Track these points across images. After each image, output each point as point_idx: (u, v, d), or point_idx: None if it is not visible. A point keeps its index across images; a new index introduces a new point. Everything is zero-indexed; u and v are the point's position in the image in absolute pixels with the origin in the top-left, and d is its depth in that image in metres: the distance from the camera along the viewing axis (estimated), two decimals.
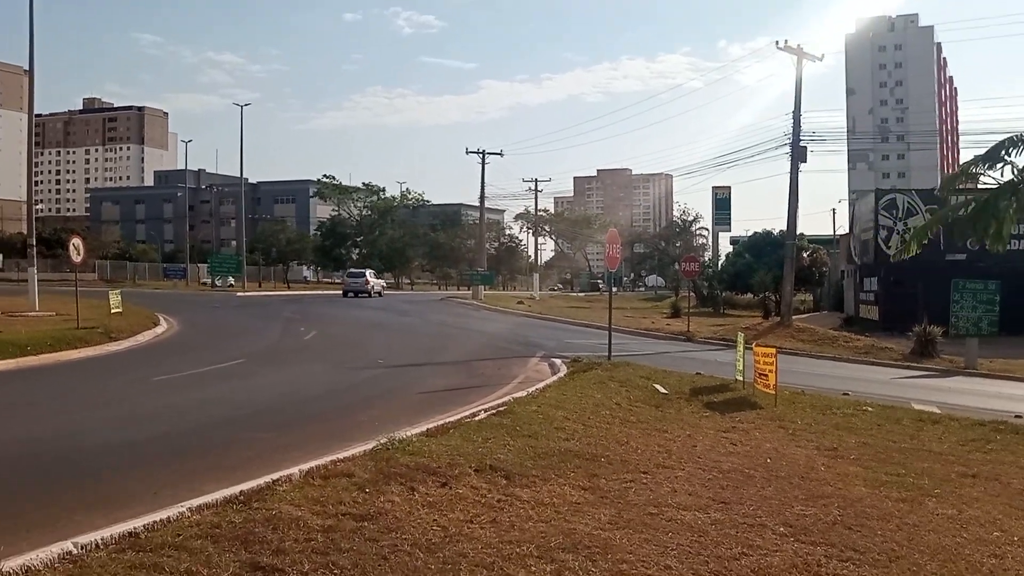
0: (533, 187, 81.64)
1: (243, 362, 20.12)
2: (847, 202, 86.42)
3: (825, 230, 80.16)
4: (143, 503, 7.31)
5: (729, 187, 67.16)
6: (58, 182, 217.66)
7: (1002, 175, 17.69)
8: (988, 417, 14.30)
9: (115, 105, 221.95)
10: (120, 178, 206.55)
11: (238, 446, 10.42)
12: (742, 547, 6.68)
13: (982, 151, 18.06)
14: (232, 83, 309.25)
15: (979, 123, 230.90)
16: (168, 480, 8.43)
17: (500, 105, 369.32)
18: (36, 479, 8.68)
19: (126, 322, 25.91)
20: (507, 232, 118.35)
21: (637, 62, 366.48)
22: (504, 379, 18.18)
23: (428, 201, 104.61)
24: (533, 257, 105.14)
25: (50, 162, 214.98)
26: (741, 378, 16.82)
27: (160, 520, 6.51)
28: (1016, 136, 17.28)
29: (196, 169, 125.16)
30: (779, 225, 50.54)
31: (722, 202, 66.82)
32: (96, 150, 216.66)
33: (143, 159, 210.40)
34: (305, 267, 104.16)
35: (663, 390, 16.03)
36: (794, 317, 35.96)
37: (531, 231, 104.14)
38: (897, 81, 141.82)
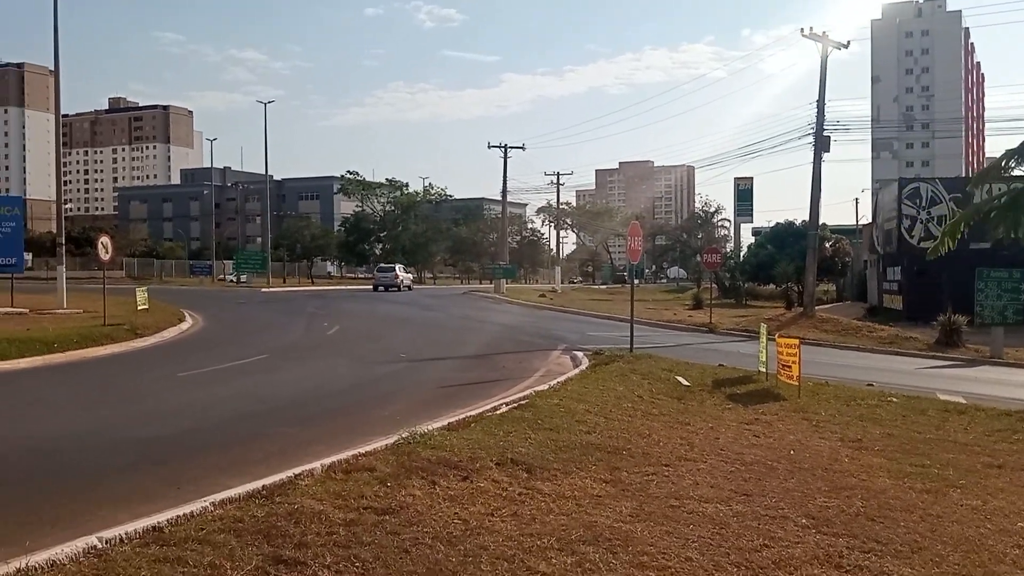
0: (555, 180, 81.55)
1: (266, 357, 20.26)
2: (870, 191, 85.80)
3: (848, 220, 79.77)
4: (167, 498, 7.39)
5: (751, 178, 66.46)
6: (87, 181, 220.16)
7: None
8: (1015, 407, 14.16)
9: (140, 104, 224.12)
10: (147, 177, 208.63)
11: (261, 441, 10.50)
12: (764, 539, 6.66)
13: (1008, 139, 17.86)
14: (255, 80, 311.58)
15: (1006, 110, 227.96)
16: (192, 475, 8.51)
17: (522, 98, 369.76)
18: (61, 474, 8.79)
19: (152, 319, 26.15)
20: (529, 226, 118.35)
21: (660, 52, 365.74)
22: (526, 372, 18.18)
23: (450, 196, 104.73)
24: (555, 250, 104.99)
25: (78, 162, 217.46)
26: (764, 369, 16.74)
27: (184, 514, 6.58)
28: None
29: (222, 167, 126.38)
30: (801, 215, 50.16)
31: (744, 193, 66.25)
32: (123, 149, 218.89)
33: (169, 158, 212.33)
34: (329, 263, 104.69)
35: (685, 382, 15.98)
36: (817, 307, 35.75)
37: (553, 224, 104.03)
38: (923, 68, 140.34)
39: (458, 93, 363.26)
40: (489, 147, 67.65)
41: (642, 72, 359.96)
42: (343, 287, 71.44)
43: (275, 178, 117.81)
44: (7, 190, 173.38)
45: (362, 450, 9.00)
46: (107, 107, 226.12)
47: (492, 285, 65.65)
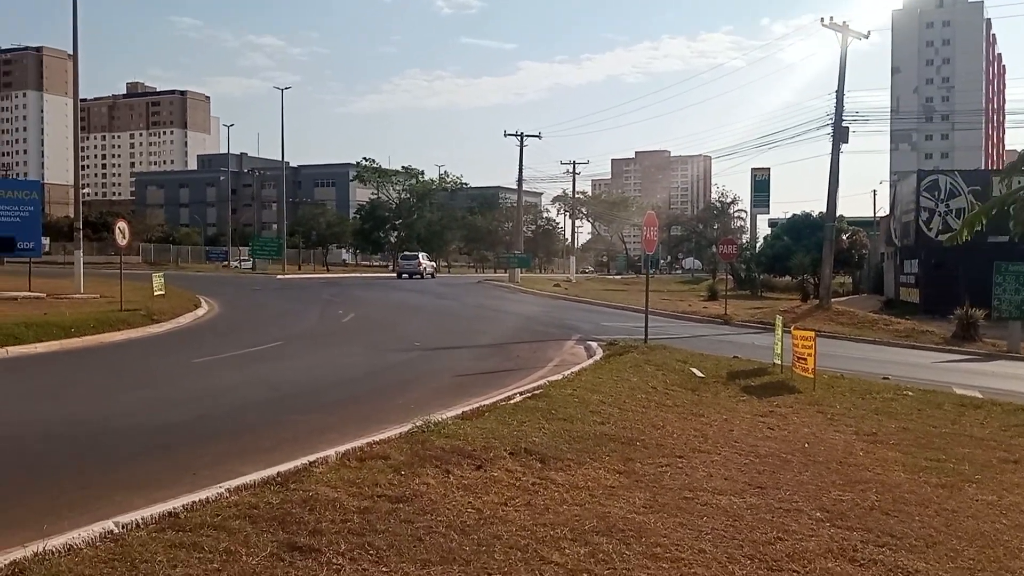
0: (571, 170, 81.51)
1: (281, 344, 20.34)
2: (888, 183, 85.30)
3: (865, 212, 79.25)
4: (182, 484, 7.44)
5: (768, 168, 66.09)
6: (104, 166, 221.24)
7: None
8: None
9: (157, 89, 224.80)
10: (164, 162, 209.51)
11: (276, 428, 10.54)
12: (777, 532, 6.64)
13: None
14: (273, 66, 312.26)
15: None
16: (207, 461, 8.56)
17: (539, 86, 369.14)
18: (78, 459, 8.86)
19: (168, 304, 26.29)
20: (544, 215, 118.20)
21: (678, 41, 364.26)
22: (540, 362, 18.19)
23: (466, 184, 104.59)
24: (570, 240, 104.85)
25: (96, 147, 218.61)
26: (779, 362, 16.67)
27: (199, 500, 6.62)
28: None
29: (238, 153, 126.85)
30: (818, 207, 50.00)
31: (761, 184, 65.91)
32: (140, 134, 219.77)
33: (186, 143, 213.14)
34: (344, 250, 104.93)
35: (700, 374, 15.94)
36: (833, 300, 35.58)
37: (568, 214, 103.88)
38: (944, 59, 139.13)
39: (475, 80, 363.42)
40: (505, 135, 67.86)
41: (660, 61, 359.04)
42: (358, 275, 71.68)
43: (291, 165, 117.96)
44: (25, 174, 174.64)
45: (376, 438, 9.03)
46: (125, 92, 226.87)
47: (506, 274, 65.72)
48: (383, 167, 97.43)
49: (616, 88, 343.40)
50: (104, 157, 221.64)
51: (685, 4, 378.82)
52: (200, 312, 27.55)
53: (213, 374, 15.68)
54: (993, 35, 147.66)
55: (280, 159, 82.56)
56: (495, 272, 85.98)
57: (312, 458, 8.04)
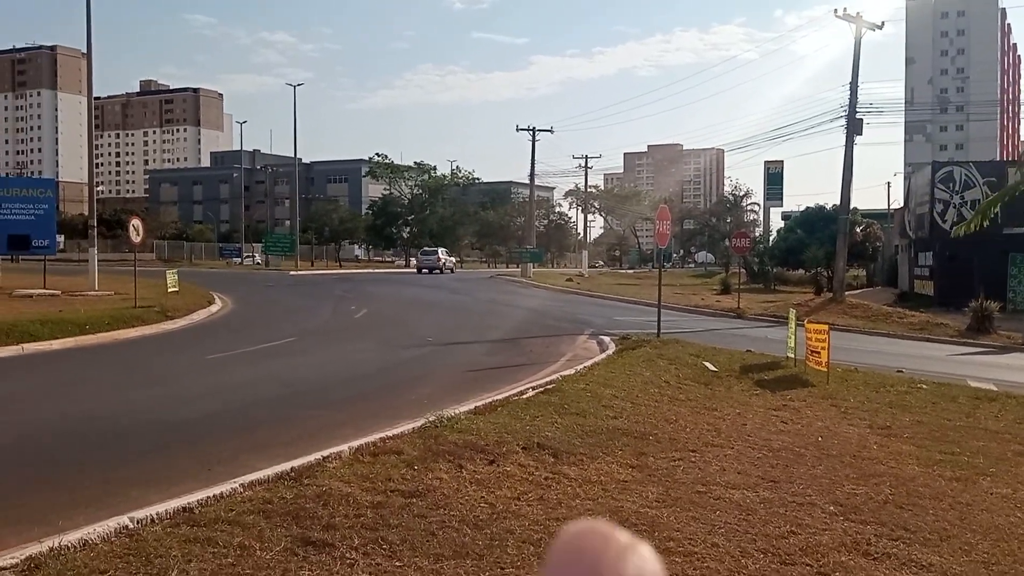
0: (583, 164, 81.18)
1: (294, 340, 20.40)
2: (902, 175, 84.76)
3: (879, 204, 78.76)
4: (197, 479, 7.49)
5: (782, 161, 65.92)
6: (118, 164, 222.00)
7: None
8: None
9: (171, 87, 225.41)
10: (178, 159, 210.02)
11: (289, 423, 10.59)
12: (791, 526, 6.64)
13: None
14: (285, 63, 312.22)
15: None
16: (221, 457, 8.61)
17: (551, 80, 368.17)
18: (93, 455, 8.93)
19: (182, 301, 26.40)
20: (556, 209, 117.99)
21: (690, 33, 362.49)
22: (552, 357, 18.19)
23: (478, 179, 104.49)
24: (582, 234, 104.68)
25: (110, 145, 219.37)
26: (792, 355, 16.61)
27: (213, 496, 6.66)
28: None
29: (251, 150, 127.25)
30: (831, 200, 49.76)
31: (774, 177, 65.73)
32: (154, 132, 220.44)
33: (199, 140, 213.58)
34: (356, 246, 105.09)
35: (713, 368, 15.91)
36: (847, 293, 35.42)
37: (580, 208, 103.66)
38: (959, 49, 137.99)
39: (487, 75, 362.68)
40: (517, 130, 67.66)
41: (672, 54, 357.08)
42: (370, 270, 71.76)
43: (304, 161, 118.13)
44: (40, 172, 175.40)
45: (389, 433, 9.06)
46: (138, 90, 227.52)
47: (519, 269, 65.67)
48: (395, 163, 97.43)
49: (628, 82, 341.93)
50: (118, 155, 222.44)
51: None
52: (214, 308, 27.65)
53: (226, 370, 15.75)
54: (1008, 25, 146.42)
55: (293, 156, 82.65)
56: (507, 267, 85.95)
57: (325, 453, 8.07)
